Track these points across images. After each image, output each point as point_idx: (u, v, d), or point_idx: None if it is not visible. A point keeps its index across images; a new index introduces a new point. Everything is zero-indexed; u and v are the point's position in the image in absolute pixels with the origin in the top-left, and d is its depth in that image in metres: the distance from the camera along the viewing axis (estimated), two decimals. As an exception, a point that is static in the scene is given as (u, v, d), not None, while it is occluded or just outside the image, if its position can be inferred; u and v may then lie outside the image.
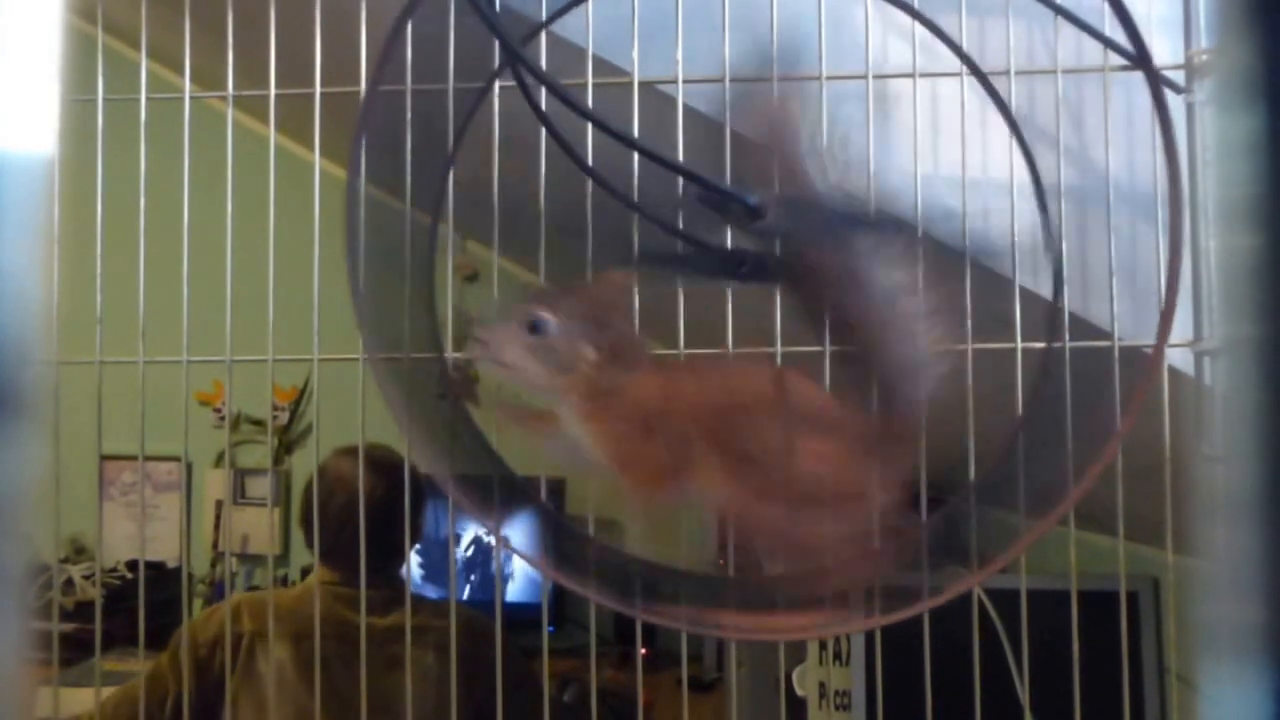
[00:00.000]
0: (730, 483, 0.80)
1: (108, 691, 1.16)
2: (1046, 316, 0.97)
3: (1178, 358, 1.02)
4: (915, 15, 0.98)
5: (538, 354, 0.79)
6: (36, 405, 0.24)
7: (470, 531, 2.86)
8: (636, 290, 0.83)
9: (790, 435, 0.80)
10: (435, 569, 2.86)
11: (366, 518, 1.15)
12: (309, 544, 1.87)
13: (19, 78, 0.25)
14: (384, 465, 1.63)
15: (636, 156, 0.99)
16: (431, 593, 2.86)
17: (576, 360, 0.79)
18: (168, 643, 1.80)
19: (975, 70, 0.98)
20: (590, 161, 0.97)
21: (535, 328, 0.78)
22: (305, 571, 2.86)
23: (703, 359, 0.89)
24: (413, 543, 2.04)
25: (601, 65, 1.07)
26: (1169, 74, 0.99)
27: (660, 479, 0.79)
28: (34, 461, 0.25)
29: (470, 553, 2.87)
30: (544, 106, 0.93)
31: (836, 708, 1.67)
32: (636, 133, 1.00)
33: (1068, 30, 1.00)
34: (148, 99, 1.13)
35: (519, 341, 0.79)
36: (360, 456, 1.26)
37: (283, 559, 3.08)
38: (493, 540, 2.71)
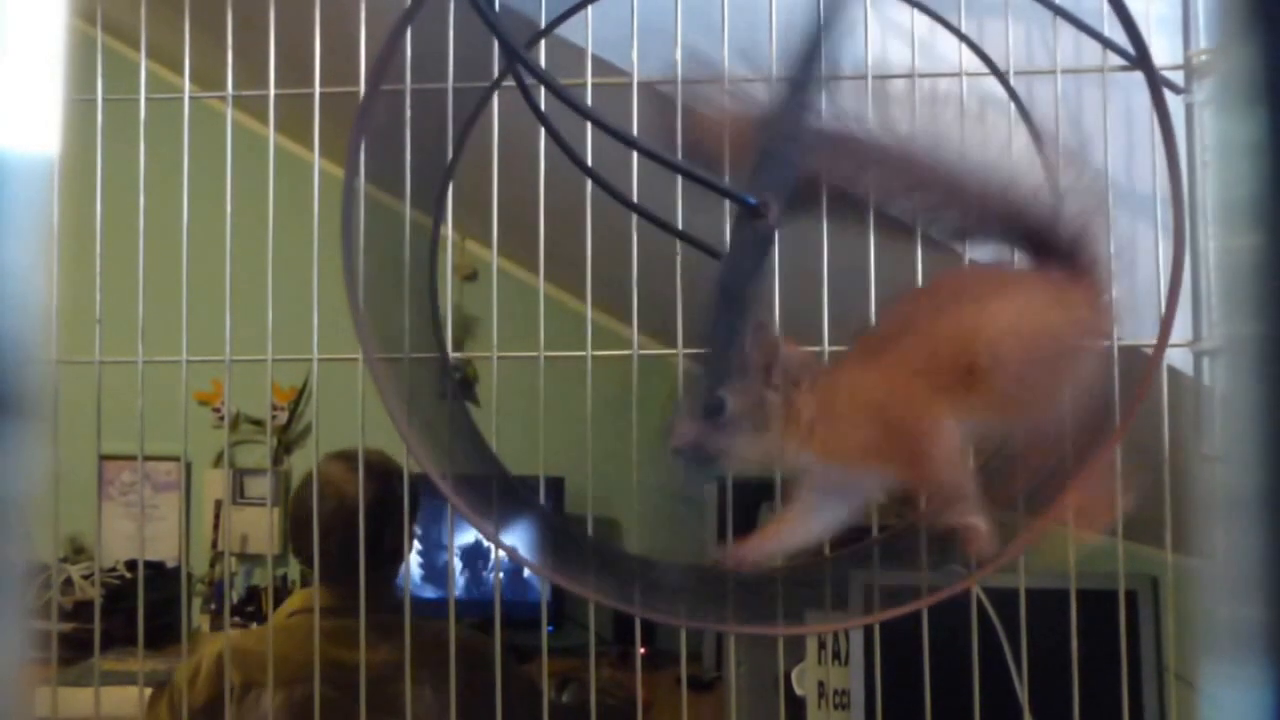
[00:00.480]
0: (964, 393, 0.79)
1: (106, 691, 1.16)
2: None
3: (1177, 358, 1.02)
4: (916, 4, 0.98)
5: (731, 429, 0.79)
6: (37, 406, 0.24)
7: (470, 533, 2.86)
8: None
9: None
10: (430, 570, 2.86)
11: (351, 524, 1.14)
12: (297, 554, 1.86)
13: (22, 79, 0.25)
14: (374, 470, 1.60)
15: (636, 156, 0.98)
16: (430, 593, 2.86)
17: (768, 412, 0.79)
18: (163, 647, 1.77)
19: (980, 54, 0.98)
20: (590, 162, 0.97)
21: (714, 409, 0.79)
22: (304, 573, 2.86)
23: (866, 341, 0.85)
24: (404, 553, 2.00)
25: (601, 65, 1.07)
26: (1168, 74, 0.99)
27: (918, 445, 0.78)
28: (35, 462, 0.25)
29: (465, 560, 2.87)
30: (544, 107, 0.93)
31: (835, 707, 1.67)
32: (636, 133, 1.00)
33: (1067, 31, 1.00)
34: (147, 99, 1.13)
35: (709, 431, 0.79)
36: (360, 460, 1.25)
37: (282, 559, 3.08)
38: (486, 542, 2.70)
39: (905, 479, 0.80)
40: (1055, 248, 0.83)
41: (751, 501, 1.19)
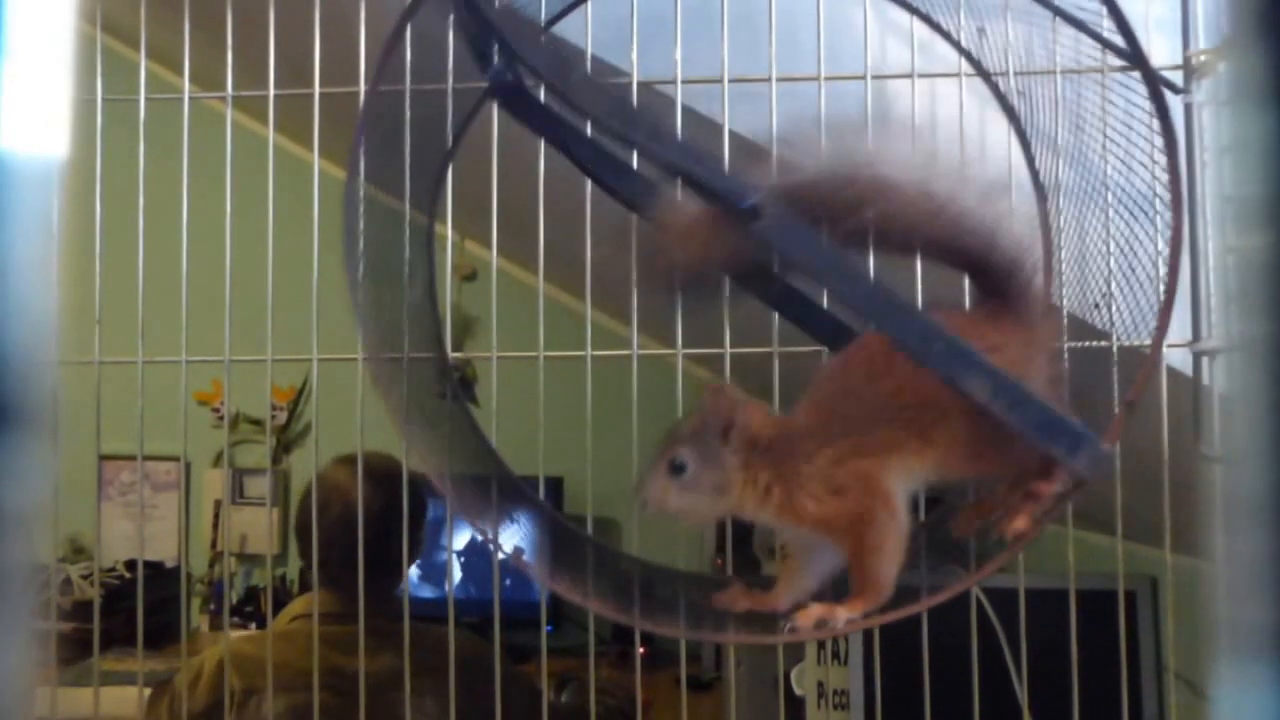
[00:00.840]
0: (919, 452, 0.82)
1: (106, 692, 1.16)
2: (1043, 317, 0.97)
3: (1176, 358, 1.02)
4: (915, 12, 0.98)
5: (693, 489, 0.84)
6: (41, 416, 0.24)
7: (469, 532, 2.86)
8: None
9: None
10: (428, 569, 2.86)
11: (362, 531, 1.13)
12: (303, 556, 1.86)
13: (28, 81, 0.25)
14: (383, 476, 1.60)
15: (636, 156, 0.99)
16: (428, 593, 2.86)
17: (727, 476, 0.83)
18: (162, 647, 1.76)
19: (977, 66, 0.98)
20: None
21: (676, 469, 0.83)
22: (303, 573, 2.86)
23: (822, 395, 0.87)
24: (411, 559, 1.98)
25: (600, 66, 1.07)
26: (1167, 74, 0.99)
27: (887, 520, 0.82)
28: (38, 472, 0.25)
29: (464, 559, 2.87)
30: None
31: (835, 707, 1.67)
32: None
33: (1067, 31, 1.00)
34: (147, 99, 1.13)
35: (672, 488, 0.84)
36: (359, 460, 1.25)
37: (281, 559, 3.08)
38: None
39: (850, 559, 0.83)
40: (992, 273, 0.84)
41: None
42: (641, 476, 0.85)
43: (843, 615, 0.81)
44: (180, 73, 1.12)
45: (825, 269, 0.76)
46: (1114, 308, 0.93)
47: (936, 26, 0.98)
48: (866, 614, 0.82)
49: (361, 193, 0.85)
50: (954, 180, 0.81)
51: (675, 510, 0.84)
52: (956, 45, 0.98)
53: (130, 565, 2.86)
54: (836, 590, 0.87)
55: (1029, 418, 0.78)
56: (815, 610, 0.82)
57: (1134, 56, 0.85)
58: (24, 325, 0.24)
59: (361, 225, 0.86)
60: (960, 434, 0.81)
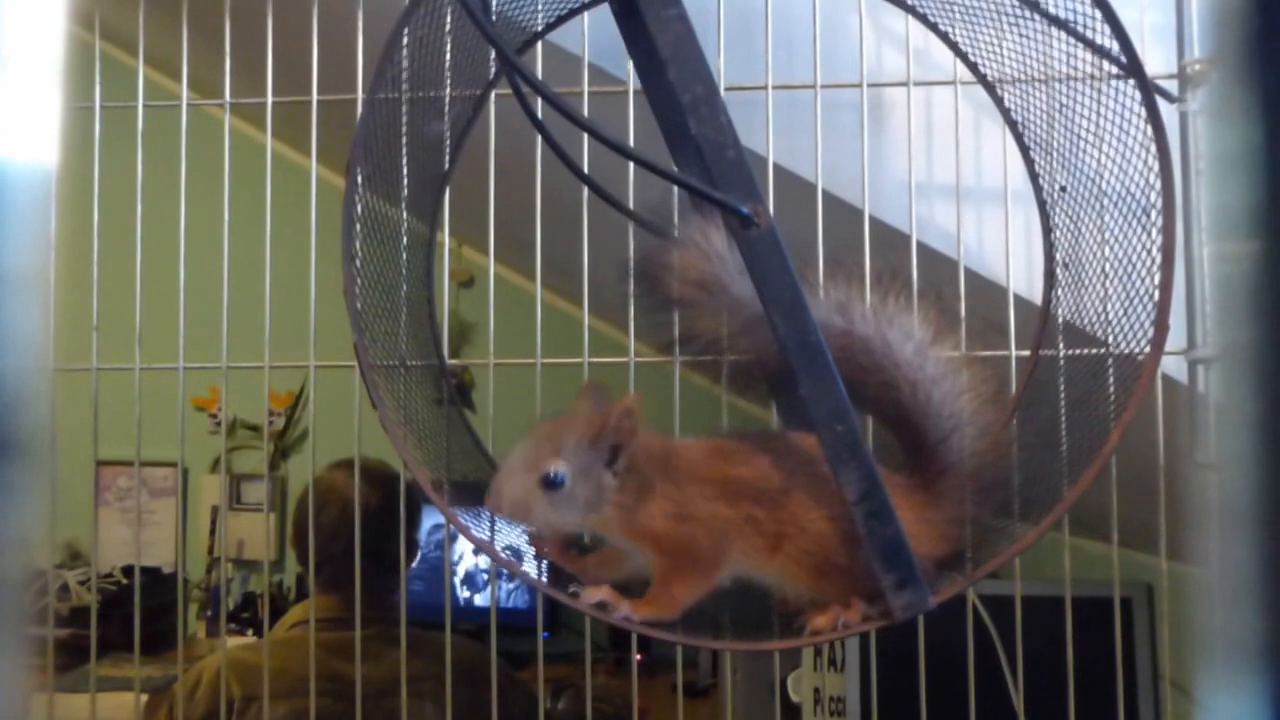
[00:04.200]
0: (768, 552, 0.83)
1: (103, 697, 1.15)
2: (1040, 323, 0.98)
3: (1171, 365, 1.02)
4: (911, 11, 0.98)
5: (563, 505, 0.80)
6: (37, 440, 0.24)
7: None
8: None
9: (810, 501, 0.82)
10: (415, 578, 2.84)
11: (360, 530, 1.13)
12: (301, 562, 1.85)
13: (22, 88, 0.25)
14: (379, 477, 1.60)
15: (632, 165, 0.99)
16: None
17: (602, 495, 0.80)
18: (159, 653, 1.75)
19: (973, 71, 0.98)
20: (586, 169, 0.97)
21: (550, 483, 0.79)
22: (300, 579, 2.86)
23: (719, 448, 0.87)
24: (408, 561, 1.98)
25: (597, 74, 1.07)
26: (1162, 83, 0.99)
27: (709, 563, 0.83)
28: (35, 494, 0.25)
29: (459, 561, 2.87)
30: (540, 115, 0.93)
31: (831, 714, 1.67)
32: (632, 141, 1.01)
33: (1062, 38, 1.01)
34: (145, 106, 1.14)
35: (542, 500, 0.79)
36: (356, 465, 1.25)
37: (278, 564, 3.08)
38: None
39: (656, 568, 0.83)
40: (922, 443, 0.84)
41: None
42: (502, 478, 0.80)
43: (624, 609, 0.81)
44: (178, 79, 1.12)
45: (782, 302, 0.76)
46: (1110, 315, 0.93)
47: (934, 27, 0.98)
48: (649, 622, 0.82)
49: (359, 202, 0.85)
50: (919, 353, 0.83)
51: (539, 523, 0.82)
52: (953, 46, 0.98)
53: (127, 571, 2.86)
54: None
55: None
56: (604, 591, 0.81)
57: (1130, 65, 0.85)
58: (17, 345, 0.24)
59: (358, 231, 0.86)
60: (805, 551, 0.82)
